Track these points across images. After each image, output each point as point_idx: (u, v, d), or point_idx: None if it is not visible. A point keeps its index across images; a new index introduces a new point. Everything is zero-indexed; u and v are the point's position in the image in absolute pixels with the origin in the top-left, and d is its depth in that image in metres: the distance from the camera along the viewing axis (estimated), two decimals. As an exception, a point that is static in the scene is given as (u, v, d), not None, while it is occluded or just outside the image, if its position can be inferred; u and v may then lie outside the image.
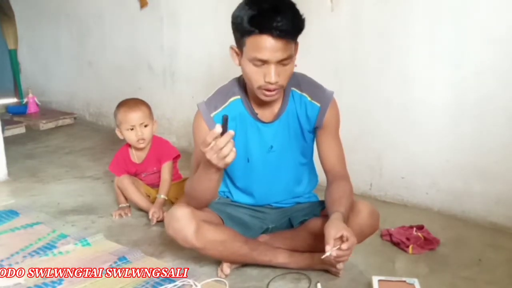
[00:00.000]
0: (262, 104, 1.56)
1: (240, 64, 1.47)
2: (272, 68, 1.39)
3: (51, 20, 4.22)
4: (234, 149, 1.32)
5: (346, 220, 1.44)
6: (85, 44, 3.94)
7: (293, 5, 1.41)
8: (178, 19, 3.09)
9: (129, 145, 2.23)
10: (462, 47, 1.95)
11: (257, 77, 1.42)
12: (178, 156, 2.28)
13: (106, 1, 3.63)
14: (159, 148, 2.24)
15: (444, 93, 2.03)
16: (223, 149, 1.30)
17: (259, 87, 1.44)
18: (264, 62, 1.39)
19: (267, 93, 1.45)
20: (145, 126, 2.15)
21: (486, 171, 1.97)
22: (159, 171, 2.23)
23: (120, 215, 2.13)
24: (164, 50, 3.23)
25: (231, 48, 1.48)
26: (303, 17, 1.41)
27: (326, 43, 2.35)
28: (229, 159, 1.32)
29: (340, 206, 1.46)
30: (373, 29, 2.18)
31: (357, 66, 2.26)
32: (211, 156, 1.32)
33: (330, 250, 1.30)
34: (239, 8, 1.41)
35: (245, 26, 1.37)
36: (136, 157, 2.24)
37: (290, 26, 1.35)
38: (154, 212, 2.04)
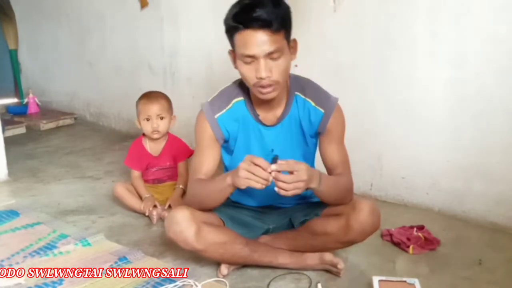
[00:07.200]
0: (265, 107, 1.56)
1: (236, 66, 1.47)
2: (261, 63, 1.39)
3: (51, 20, 4.22)
4: (262, 186, 1.36)
5: (320, 181, 1.44)
6: (85, 44, 3.94)
7: None
8: (178, 19, 3.09)
9: (143, 136, 2.27)
10: (462, 47, 1.95)
11: (250, 74, 1.42)
12: (191, 155, 2.30)
13: (106, 1, 3.63)
14: (175, 145, 2.28)
15: (444, 93, 2.03)
16: (257, 177, 1.34)
17: (254, 85, 1.44)
18: (253, 57, 1.39)
19: (263, 90, 1.44)
20: (162, 118, 2.20)
21: (486, 171, 1.97)
22: (170, 167, 2.27)
23: (151, 211, 2.09)
24: (164, 50, 3.23)
25: (229, 52, 1.49)
26: (286, 6, 1.40)
27: (327, 43, 2.35)
28: (251, 184, 1.35)
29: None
30: (374, 29, 2.18)
31: (357, 66, 2.26)
32: (244, 170, 1.35)
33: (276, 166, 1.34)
34: (228, 10, 1.43)
35: (231, 25, 1.40)
36: (152, 149, 2.27)
37: (271, 16, 1.35)
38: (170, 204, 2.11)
